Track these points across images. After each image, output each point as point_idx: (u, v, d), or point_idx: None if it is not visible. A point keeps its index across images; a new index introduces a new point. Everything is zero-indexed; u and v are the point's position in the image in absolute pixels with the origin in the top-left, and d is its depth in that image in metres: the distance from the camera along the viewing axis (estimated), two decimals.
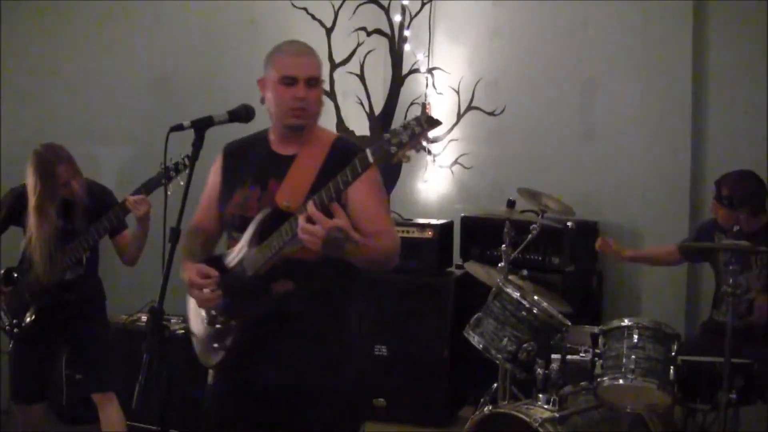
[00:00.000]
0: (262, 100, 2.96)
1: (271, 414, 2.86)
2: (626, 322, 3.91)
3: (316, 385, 2.86)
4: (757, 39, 5.68)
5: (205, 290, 2.77)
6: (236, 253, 2.86)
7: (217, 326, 2.86)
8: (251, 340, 2.81)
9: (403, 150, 2.42)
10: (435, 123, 2.43)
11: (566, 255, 5.73)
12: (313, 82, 2.89)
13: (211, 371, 3.01)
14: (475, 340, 4.24)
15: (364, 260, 2.76)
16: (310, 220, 2.50)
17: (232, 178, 3.01)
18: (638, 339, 3.84)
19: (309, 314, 2.86)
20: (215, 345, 2.89)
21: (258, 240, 2.79)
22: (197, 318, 2.96)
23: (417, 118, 2.41)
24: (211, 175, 3.11)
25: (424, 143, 6.49)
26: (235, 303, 2.82)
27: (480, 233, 6.00)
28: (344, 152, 2.80)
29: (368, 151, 2.48)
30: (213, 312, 2.87)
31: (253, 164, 2.98)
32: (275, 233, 2.71)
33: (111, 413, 4.52)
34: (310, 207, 2.51)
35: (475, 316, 4.34)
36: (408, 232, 5.81)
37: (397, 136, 2.41)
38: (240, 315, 2.81)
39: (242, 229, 2.86)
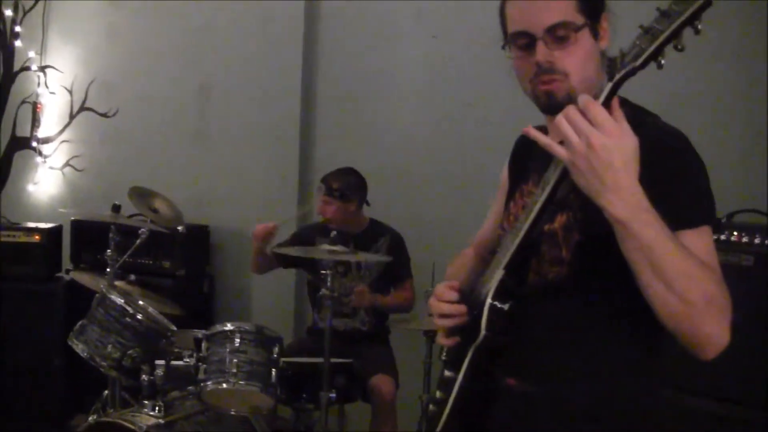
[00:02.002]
0: None
1: None
2: (228, 326, 3.97)
3: None
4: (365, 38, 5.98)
5: None
6: None
7: None
8: None
9: None
10: None
11: (177, 259, 5.75)
12: None
13: None
14: (79, 348, 4.14)
15: None
16: None
17: None
18: (240, 343, 3.91)
19: None
20: None
21: None
22: None
23: None
24: None
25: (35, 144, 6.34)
26: None
27: (90, 237, 5.87)
28: None
29: None
30: None
31: None
32: None
33: None
34: None
35: (79, 323, 4.23)
36: (15, 236, 5.60)
37: None
38: None
39: None
